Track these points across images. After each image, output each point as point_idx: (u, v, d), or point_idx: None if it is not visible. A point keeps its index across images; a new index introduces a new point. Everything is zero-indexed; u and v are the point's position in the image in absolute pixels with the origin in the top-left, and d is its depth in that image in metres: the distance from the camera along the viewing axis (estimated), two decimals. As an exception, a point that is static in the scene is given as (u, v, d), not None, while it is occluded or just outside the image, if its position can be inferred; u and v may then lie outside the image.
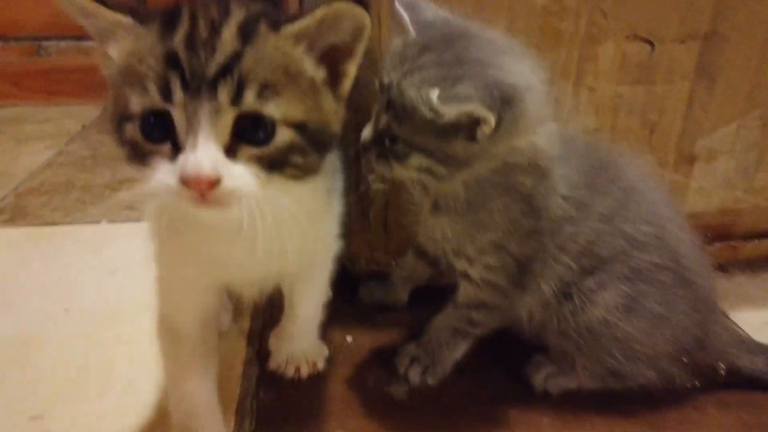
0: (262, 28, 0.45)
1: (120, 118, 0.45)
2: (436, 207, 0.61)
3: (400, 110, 0.53)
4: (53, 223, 1.09)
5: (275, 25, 0.46)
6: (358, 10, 0.46)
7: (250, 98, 0.43)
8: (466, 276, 0.63)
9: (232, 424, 0.63)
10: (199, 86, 0.42)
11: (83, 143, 1.55)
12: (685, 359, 0.63)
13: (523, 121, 0.54)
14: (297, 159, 0.46)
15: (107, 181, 1.29)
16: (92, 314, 0.82)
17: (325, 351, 0.72)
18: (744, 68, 0.79)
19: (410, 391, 0.68)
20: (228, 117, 0.43)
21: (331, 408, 0.66)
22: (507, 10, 0.71)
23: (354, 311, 0.82)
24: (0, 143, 1.56)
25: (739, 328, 0.81)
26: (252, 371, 0.71)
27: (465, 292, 0.64)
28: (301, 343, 0.69)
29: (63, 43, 1.94)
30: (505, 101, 0.50)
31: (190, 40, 0.43)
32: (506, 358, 0.71)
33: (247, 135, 0.44)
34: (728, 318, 0.71)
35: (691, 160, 0.84)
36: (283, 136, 0.44)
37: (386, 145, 0.57)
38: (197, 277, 0.55)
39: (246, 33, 0.44)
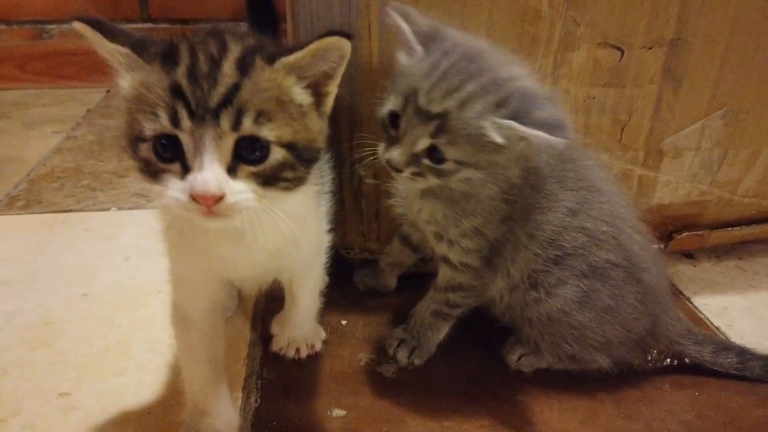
0: (258, 62, 0.51)
1: (135, 140, 0.51)
2: (427, 192, 0.66)
3: (461, 136, 0.57)
4: (66, 210, 1.16)
5: (270, 59, 0.52)
6: (344, 42, 0.53)
7: (247, 124, 0.49)
8: (445, 259, 0.70)
9: (240, 400, 0.71)
10: (204, 114, 0.48)
11: (89, 128, 1.61)
12: (636, 347, 0.71)
13: None
14: (288, 174, 0.53)
15: (114, 168, 1.35)
16: (109, 298, 0.89)
17: (322, 334, 0.80)
18: (707, 71, 0.85)
19: (399, 371, 0.76)
20: (229, 141, 0.49)
21: (328, 385, 0.73)
22: (486, 18, 0.77)
23: (349, 297, 0.89)
24: (8, 127, 1.61)
25: (700, 312, 0.89)
26: (256, 352, 0.79)
27: (443, 275, 0.72)
28: (300, 328, 0.77)
29: (65, 26, 1.98)
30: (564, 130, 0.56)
31: (192, 74, 0.49)
32: (485, 341, 0.79)
33: (245, 155, 0.50)
34: (679, 312, 0.78)
35: (660, 156, 0.90)
36: (276, 155, 0.51)
37: (425, 165, 0.60)
38: (204, 273, 0.62)
39: (243, 67, 0.51)
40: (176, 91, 0.48)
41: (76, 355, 0.78)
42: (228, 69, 0.50)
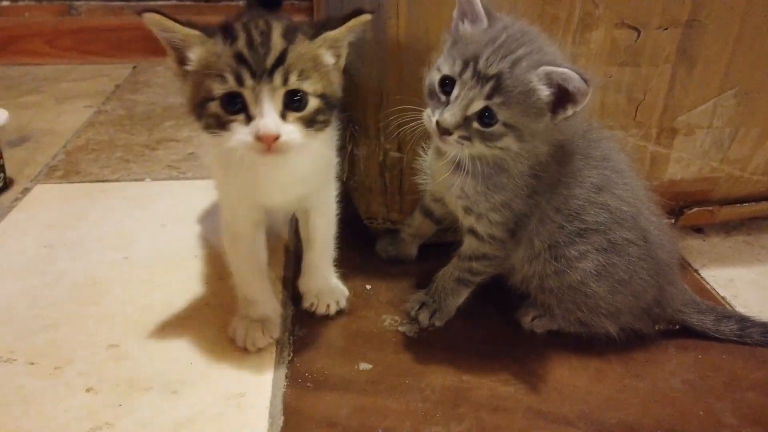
0: (299, 35, 0.65)
1: (203, 100, 0.64)
2: (458, 167, 0.70)
3: (513, 95, 0.63)
4: (103, 180, 1.22)
5: (312, 35, 0.66)
6: (369, 17, 0.67)
7: (293, 80, 0.63)
8: (473, 231, 0.75)
9: (274, 353, 0.77)
10: (261, 74, 0.62)
11: (118, 103, 1.67)
12: (644, 315, 0.76)
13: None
14: (321, 117, 0.67)
15: (145, 141, 1.41)
16: (149, 262, 0.95)
17: (345, 291, 0.87)
18: (720, 52, 0.88)
19: (420, 331, 0.81)
20: (280, 93, 0.63)
21: (354, 342, 0.79)
22: None
23: (372, 263, 0.95)
24: (41, 102, 1.68)
25: (707, 283, 0.93)
26: (287, 311, 0.85)
27: (469, 244, 0.77)
28: (324, 281, 0.86)
29: (93, 3, 2.03)
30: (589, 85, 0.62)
31: (251, 44, 0.62)
32: (502, 304, 0.84)
33: (292, 105, 0.64)
34: (684, 283, 0.82)
35: (672, 133, 0.94)
36: (313, 103, 0.65)
37: (474, 128, 0.65)
38: (248, 199, 0.76)
39: (288, 38, 0.64)
40: (239, 57, 0.62)
41: (122, 312, 0.84)
42: (276, 39, 0.63)
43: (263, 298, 0.80)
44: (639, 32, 0.85)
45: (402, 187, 0.94)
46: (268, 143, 0.62)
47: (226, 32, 0.63)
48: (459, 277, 0.79)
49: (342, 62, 0.71)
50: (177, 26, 0.63)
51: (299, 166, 0.71)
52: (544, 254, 0.73)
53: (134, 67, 1.98)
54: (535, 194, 0.71)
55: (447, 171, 0.73)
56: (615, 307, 0.74)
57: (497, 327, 0.83)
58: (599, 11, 0.83)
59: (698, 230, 1.08)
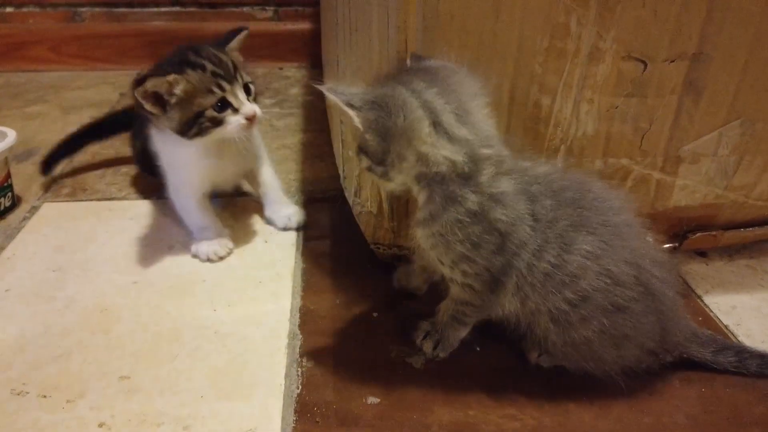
0: (226, 49, 0.99)
1: (197, 114, 0.92)
2: (421, 221, 0.73)
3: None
4: (110, 198, 1.23)
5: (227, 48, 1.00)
6: (247, 32, 1.04)
7: (244, 77, 0.97)
8: (451, 279, 0.75)
9: (283, 386, 0.78)
10: (231, 80, 0.94)
11: (124, 113, 1.67)
12: (647, 355, 0.77)
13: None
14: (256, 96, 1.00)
15: (151, 155, 1.42)
16: (158, 286, 0.96)
17: (300, 211, 1.15)
18: (727, 84, 0.88)
19: (427, 362, 0.82)
20: (241, 87, 0.95)
21: (362, 374, 0.80)
22: (518, 33, 0.81)
23: (379, 290, 0.96)
24: (47, 111, 1.68)
25: (710, 310, 0.94)
26: (295, 342, 0.86)
27: (452, 290, 0.77)
28: (283, 207, 1.15)
29: (97, 9, 2.03)
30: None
31: (216, 65, 0.93)
32: (506, 334, 0.84)
33: (248, 93, 0.97)
34: (687, 317, 0.82)
35: (677, 161, 0.95)
36: (252, 87, 0.99)
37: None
38: (202, 181, 1.06)
39: (225, 53, 0.97)
40: (215, 74, 0.92)
41: (132, 340, 0.85)
42: (222, 56, 0.96)
43: (214, 224, 1.07)
44: (646, 65, 0.85)
45: (409, 213, 0.95)
46: (252, 120, 0.95)
47: (192, 66, 0.92)
48: (452, 315, 0.80)
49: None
50: (167, 78, 0.89)
51: (247, 146, 1.03)
52: (541, 317, 0.73)
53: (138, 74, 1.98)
54: (504, 253, 0.70)
55: (415, 224, 0.76)
56: (621, 358, 0.75)
57: (503, 357, 0.84)
58: (607, 45, 0.83)
59: (701, 254, 1.09)
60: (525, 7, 0.79)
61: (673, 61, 0.86)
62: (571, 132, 0.90)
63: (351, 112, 0.67)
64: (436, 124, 0.68)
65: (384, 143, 0.68)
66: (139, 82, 0.88)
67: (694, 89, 0.88)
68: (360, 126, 0.69)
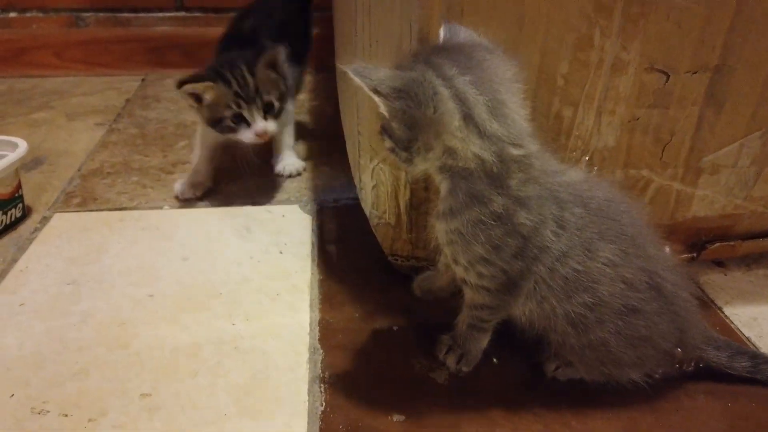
0: (256, 68, 1.15)
1: (218, 119, 1.15)
2: (440, 214, 0.72)
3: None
4: (121, 208, 1.21)
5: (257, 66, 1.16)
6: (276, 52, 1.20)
7: (265, 98, 1.15)
8: (465, 281, 0.75)
9: (306, 403, 0.77)
10: (249, 100, 1.14)
11: (130, 120, 1.66)
12: (665, 358, 0.76)
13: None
14: (281, 108, 1.20)
15: (160, 163, 1.41)
16: (174, 299, 0.95)
17: (300, 167, 1.38)
18: (749, 95, 0.88)
19: (450, 376, 0.82)
20: (260, 106, 1.15)
21: (385, 391, 0.79)
22: (541, 45, 0.80)
23: (399, 302, 0.95)
24: (53, 118, 1.67)
25: (731, 322, 0.94)
26: (317, 357, 0.85)
27: (467, 294, 0.76)
28: (288, 158, 1.37)
29: (101, 14, 2.02)
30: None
31: (239, 85, 1.13)
32: (528, 346, 0.83)
33: (268, 111, 1.16)
34: (703, 321, 0.81)
35: (698, 172, 0.94)
36: (276, 105, 1.18)
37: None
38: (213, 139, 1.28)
39: (252, 73, 1.14)
40: (236, 94, 1.13)
41: (151, 356, 0.84)
42: (249, 78, 1.14)
43: (205, 170, 1.28)
44: (668, 76, 0.85)
45: (428, 224, 0.94)
46: (262, 137, 1.16)
47: (223, 79, 1.13)
48: (470, 324, 0.79)
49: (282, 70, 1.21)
50: (199, 85, 1.12)
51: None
52: (558, 319, 0.72)
53: (143, 80, 1.97)
54: (524, 257, 0.70)
55: (434, 217, 0.75)
56: (639, 359, 0.74)
57: (526, 371, 0.83)
58: (630, 56, 0.82)
59: (719, 264, 1.08)
60: (548, 19, 0.78)
61: (695, 73, 0.85)
62: (593, 143, 0.89)
63: (377, 99, 0.64)
64: (467, 118, 0.65)
65: (410, 132, 0.66)
66: (181, 83, 1.11)
67: (715, 101, 0.88)
68: (386, 114, 0.66)
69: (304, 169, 1.38)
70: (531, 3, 0.76)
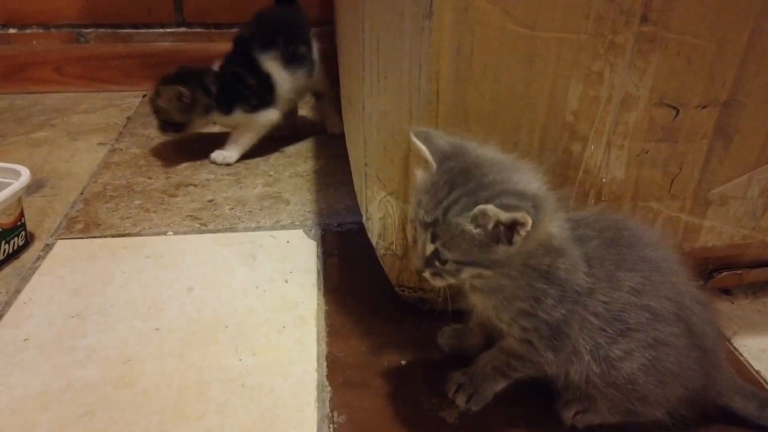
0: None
1: None
2: (472, 287, 0.73)
3: (448, 239, 0.65)
4: (125, 234, 1.20)
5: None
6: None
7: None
8: (508, 333, 0.75)
9: (316, 445, 0.76)
10: None
11: (132, 139, 1.65)
12: (691, 402, 0.76)
13: (544, 219, 0.65)
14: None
15: (163, 186, 1.40)
16: (180, 333, 0.94)
17: (233, 158, 1.53)
18: (758, 128, 0.88)
19: (460, 415, 0.81)
20: None
21: (394, 430, 0.78)
22: (551, 83, 0.80)
23: (406, 335, 0.94)
24: (54, 137, 1.66)
25: (740, 354, 0.93)
26: (325, 395, 0.84)
27: (508, 342, 0.76)
28: (224, 150, 1.51)
29: (101, 30, 2.01)
30: (534, 206, 0.62)
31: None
32: (539, 385, 0.83)
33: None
34: (730, 368, 0.81)
35: (706, 204, 0.94)
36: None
37: (438, 266, 0.68)
38: None
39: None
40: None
41: (158, 395, 0.83)
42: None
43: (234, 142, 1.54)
44: (678, 111, 0.85)
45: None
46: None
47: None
48: (497, 367, 0.79)
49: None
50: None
51: None
52: (586, 356, 0.72)
53: (144, 96, 1.97)
54: (564, 302, 0.70)
55: (467, 290, 0.75)
56: (665, 398, 0.74)
57: (537, 411, 0.82)
58: (640, 92, 0.82)
59: (726, 291, 1.08)
60: (558, 56, 0.78)
61: (705, 107, 0.85)
62: (601, 177, 0.89)
63: (476, 231, 0.64)
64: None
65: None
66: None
67: (724, 134, 0.88)
68: (472, 240, 0.65)
69: (235, 162, 1.51)
70: (542, 42, 0.76)
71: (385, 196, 0.94)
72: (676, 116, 0.85)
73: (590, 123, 0.84)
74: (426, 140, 0.71)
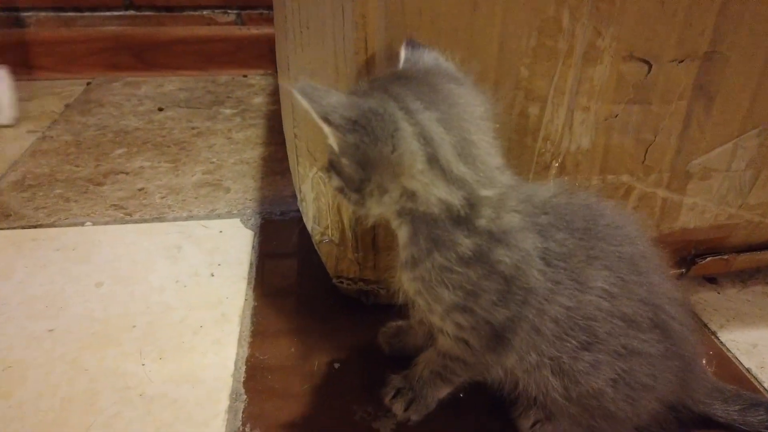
0: None
1: None
2: (404, 263, 0.60)
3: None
4: (36, 225, 1.07)
5: None
6: None
7: None
8: (441, 330, 0.62)
9: (217, 466, 0.63)
10: None
11: (65, 126, 1.51)
12: (665, 414, 0.63)
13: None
14: None
15: (90, 174, 1.26)
16: (77, 335, 0.80)
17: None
18: (743, 87, 0.76)
19: (397, 426, 0.68)
20: None
21: (317, 447, 0.66)
22: (500, 30, 0.67)
23: (341, 336, 0.81)
24: (-19, 126, 1.51)
25: (728, 350, 0.81)
26: (237, 406, 0.71)
27: (441, 342, 0.63)
28: None
29: (42, 14, 1.87)
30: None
31: None
32: (489, 393, 0.70)
33: None
34: (707, 371, 0.70)
35: (686, 178, 0.82)
36: None
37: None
38: None
39: None
40: None
41: (37, 407, 0.69)
42: None
43: None
44: (650, 66, 0.72)
45: (376, 242, 0.81)
46: None
47: None
48: (435, 371, 0.66)
49: None
50: None
51: None
52: (543, 369, 0.59)
53: (88, 84, 1.83)
54: (506, 302, 0.57)
55: (399, 268, 0.62)
56: (636, 413, 0.61)
57: (489, 422, 0.70)
58: (605, 42, 0.70)
59: (711, 280, 0.96)
60: (507, -3, 0.65)
61: (681, 62, 0.73)
62: (564, 145, 0.77)
63: (326, 129, 0.52)
64: (432, 160, 0.53)
65: (363, 171, 0.54)
66: None
67: (705, 94, 0.76)
68: (336, 147, 0.54)
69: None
70: (485, -23, 0.63)
71: (317, 172, 0.81)
72: (648, 72, 0.73)
73: (548, 80, 0.71)
74: (410, 48, 0.60)
